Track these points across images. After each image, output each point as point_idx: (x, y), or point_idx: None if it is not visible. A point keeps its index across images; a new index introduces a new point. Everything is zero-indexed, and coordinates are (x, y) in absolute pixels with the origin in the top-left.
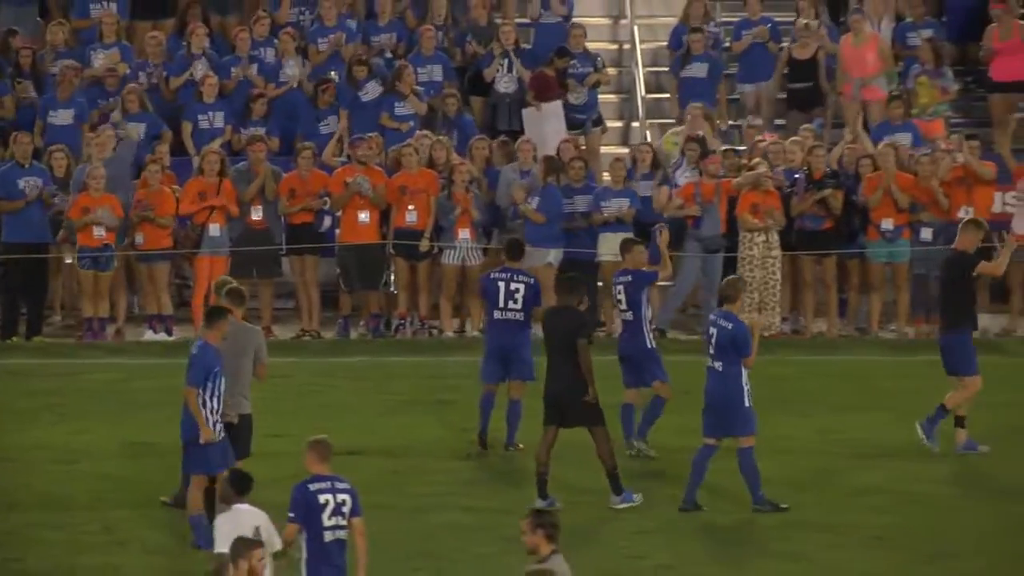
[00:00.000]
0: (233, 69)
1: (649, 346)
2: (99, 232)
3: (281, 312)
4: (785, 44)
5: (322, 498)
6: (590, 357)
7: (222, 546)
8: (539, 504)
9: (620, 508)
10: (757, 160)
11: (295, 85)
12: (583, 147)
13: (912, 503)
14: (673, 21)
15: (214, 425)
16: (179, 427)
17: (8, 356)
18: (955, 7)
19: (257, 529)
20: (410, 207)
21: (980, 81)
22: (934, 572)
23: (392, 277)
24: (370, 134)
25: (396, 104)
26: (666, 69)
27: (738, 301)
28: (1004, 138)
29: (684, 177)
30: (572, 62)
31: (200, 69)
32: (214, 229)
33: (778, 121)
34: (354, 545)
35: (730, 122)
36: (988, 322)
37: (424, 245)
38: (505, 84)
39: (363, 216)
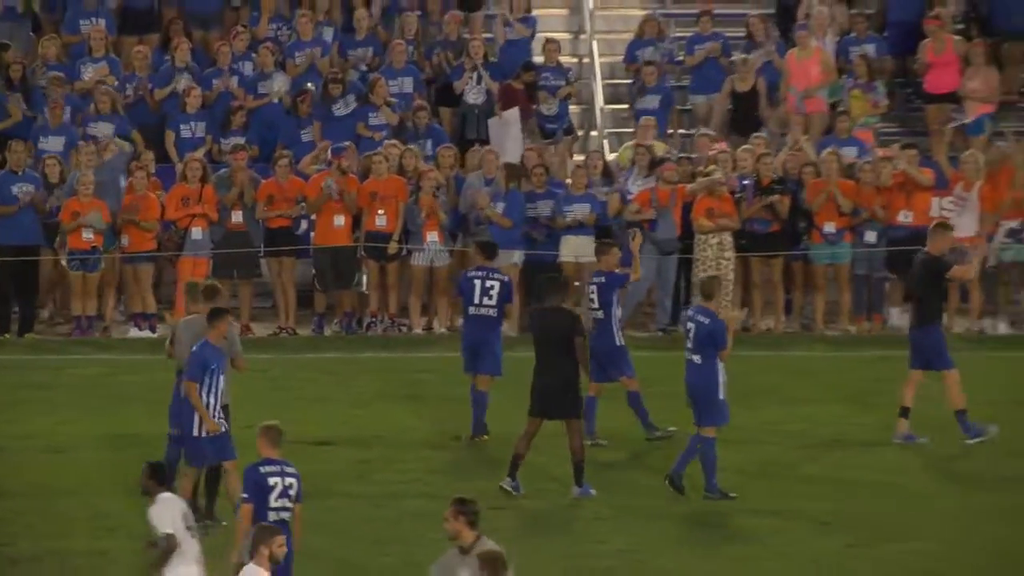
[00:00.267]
0: (214, 81)
1: (618, 343)
2: (87, 235)
3: (259, 310)
4: (729, 77)
5: (271, 480)
6: (587, 353)
7: (168, 528)
8: (506, 484)
9: (578, 499)
10: (712, 167)
11: (276, 100)
12: (553, 155)
13: (856, 490)
14: (629, 36)
15: (215, 419)
16: (165, 419)
17: (1, 352)
18: (895, 23)
19: (186, 513)
20: (380, 211)
21: (918, 93)
22: (878, 555)
23: (364, 278)
24: (346, 143)
25: (370, 114)
26: (624, 82)
27: (716, 298)
28: (940, 146)
29: (636, 184)
30: (545, 75)
31: (183, 81)
32: (196, 233)
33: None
34: (292, 530)
35: (681, 131)
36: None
37: (393, 248)
38: (474, 96)
39: (338, 220)
